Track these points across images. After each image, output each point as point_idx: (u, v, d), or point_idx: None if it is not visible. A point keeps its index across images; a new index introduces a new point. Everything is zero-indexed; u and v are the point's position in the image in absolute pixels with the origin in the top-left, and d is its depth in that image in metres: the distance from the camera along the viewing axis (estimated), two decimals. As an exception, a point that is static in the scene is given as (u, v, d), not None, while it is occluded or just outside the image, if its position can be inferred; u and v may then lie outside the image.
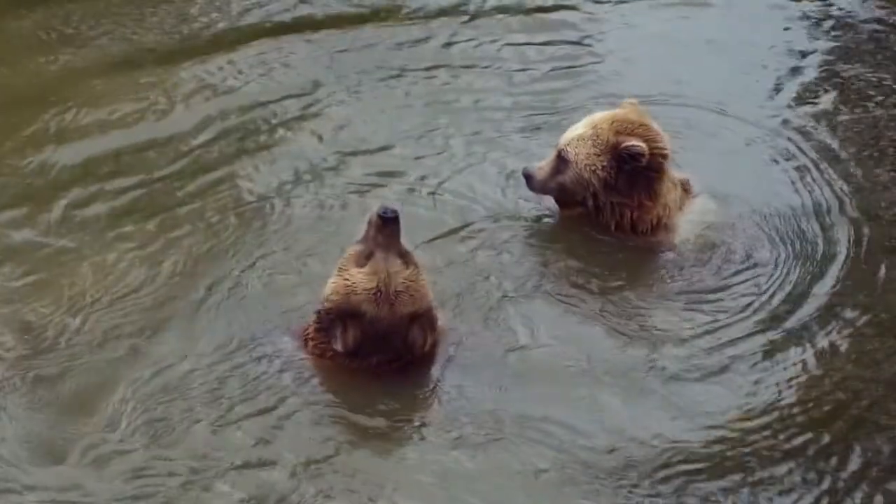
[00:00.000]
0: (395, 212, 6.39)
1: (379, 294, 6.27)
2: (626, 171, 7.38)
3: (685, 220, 7.56)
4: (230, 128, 8.95)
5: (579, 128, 7.51)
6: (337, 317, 6.39)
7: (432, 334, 6.49)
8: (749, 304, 7.18)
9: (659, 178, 7.38)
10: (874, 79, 9.57)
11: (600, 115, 7.50)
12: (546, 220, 7.91)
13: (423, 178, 8.33)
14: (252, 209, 8.02)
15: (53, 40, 9.93)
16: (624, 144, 7.30)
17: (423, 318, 6.43)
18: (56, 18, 10.18)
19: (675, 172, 7.69)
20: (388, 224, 6.34)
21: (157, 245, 7.68)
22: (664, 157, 7.39)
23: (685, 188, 7.69)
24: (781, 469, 6.18)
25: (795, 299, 7.23)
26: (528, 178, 7.71)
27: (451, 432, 6.35)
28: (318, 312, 6.52)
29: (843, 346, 6.94)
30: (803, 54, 9.99)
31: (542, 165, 7.69)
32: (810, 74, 9.67)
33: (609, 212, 7.54)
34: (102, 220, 7.93)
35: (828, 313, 7.15)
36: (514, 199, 8.05)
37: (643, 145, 7.27)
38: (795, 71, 9.74)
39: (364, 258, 6.40)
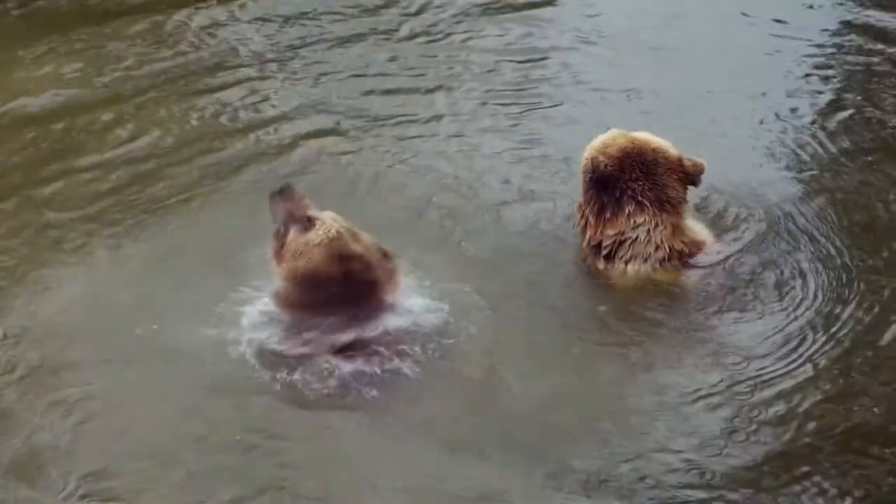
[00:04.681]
0: (287, 184, 6.87)
1: (331, 244, 6.55)
2: (585, 176, 7.41)
3: (643, 271, 7.39)
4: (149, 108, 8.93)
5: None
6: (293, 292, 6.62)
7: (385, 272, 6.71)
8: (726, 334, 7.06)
9: (613, 208, 7.35)
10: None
11: (651, 135, 7.46)
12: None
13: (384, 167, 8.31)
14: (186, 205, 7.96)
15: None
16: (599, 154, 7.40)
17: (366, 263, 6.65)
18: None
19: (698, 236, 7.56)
20: (285, 191, 6.77)
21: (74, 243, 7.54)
22: (627, 196, 7.32)
23: (689, 249, 7.48)
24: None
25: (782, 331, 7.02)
26: None
27: (431, 436, 6.29)
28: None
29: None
30: (796, 52, 9.89)
31: None
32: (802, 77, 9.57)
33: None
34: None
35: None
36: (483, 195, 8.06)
37: (600, 163, 7.28)
38: (789, 69, 9.63)
39: (284, 233, 6.69)
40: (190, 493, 5.92)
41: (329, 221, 6.63)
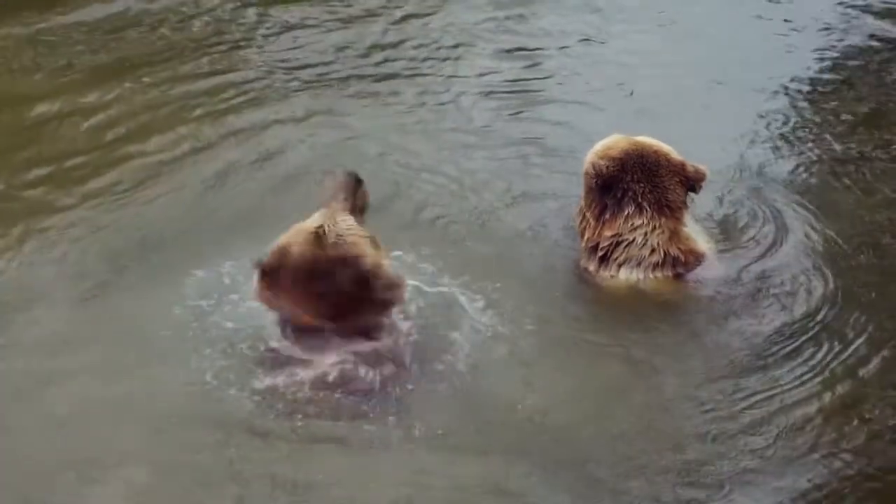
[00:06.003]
0: (354, 173, 6.80)
1: (320, 233, 6.48)
2: (589, 181, 7.44)
3: (636, 276, 7.38)
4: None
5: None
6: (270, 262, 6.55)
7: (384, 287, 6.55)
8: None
9: (613, 210, 7.36)
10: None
11: (653, 139, 7.46)
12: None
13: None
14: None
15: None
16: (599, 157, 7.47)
17: (360, 268, 6.49)
18: None
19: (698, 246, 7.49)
20: (347, 179, 6.73)
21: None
22: (628, 197, 7.31)
23: (685, 257, 7.40)
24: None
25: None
26: None
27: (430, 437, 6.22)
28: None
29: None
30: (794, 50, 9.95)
31: None
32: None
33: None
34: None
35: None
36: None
37: (598, 166, 7.30)
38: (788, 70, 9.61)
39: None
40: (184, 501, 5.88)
41: (343, 219, 6.55)
